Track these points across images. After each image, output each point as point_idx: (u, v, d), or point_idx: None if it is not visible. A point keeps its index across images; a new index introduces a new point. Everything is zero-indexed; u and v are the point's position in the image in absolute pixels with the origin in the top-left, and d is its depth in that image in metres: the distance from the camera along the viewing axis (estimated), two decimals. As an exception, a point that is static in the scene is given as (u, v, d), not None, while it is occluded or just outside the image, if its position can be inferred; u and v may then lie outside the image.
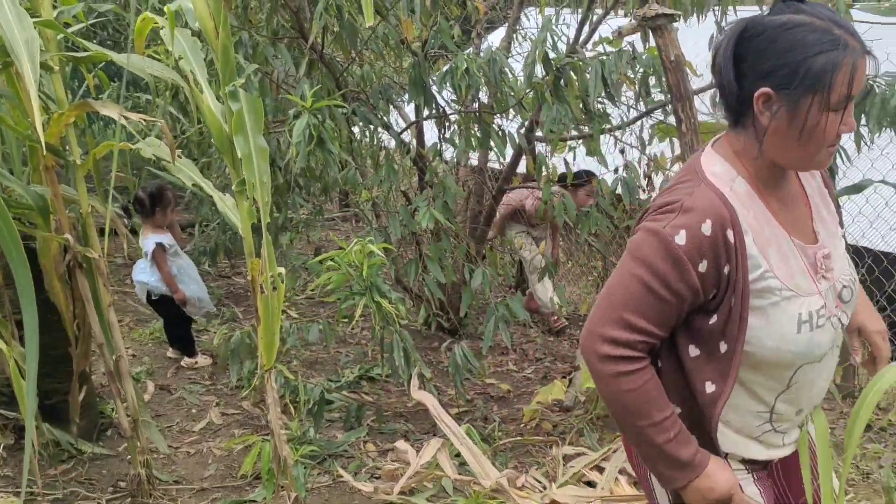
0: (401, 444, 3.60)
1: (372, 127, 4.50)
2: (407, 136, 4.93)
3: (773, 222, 1.62)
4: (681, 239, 1.53)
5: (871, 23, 3.84)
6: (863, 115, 3.52)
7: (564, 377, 4.76)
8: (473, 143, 4.24)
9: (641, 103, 4.17)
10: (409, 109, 5.36)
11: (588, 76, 3.65)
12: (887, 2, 3.80)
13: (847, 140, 3.74)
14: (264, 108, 2.92)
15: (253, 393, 4.46)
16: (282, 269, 2.78)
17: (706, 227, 1.53)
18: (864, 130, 3.65)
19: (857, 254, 4.83)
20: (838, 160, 3.85)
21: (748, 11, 4.23)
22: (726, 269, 1.55)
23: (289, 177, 4.37)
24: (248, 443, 3.85)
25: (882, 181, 3.81)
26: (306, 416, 4.06)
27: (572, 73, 3.71)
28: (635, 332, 1.58)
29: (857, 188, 3.87)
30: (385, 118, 4.48)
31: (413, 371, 3.67)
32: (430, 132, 4.95)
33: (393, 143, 4.69)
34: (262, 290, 2.65)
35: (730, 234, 1.54)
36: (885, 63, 4.40)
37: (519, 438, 4.02)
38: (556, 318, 5.70)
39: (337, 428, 4.23)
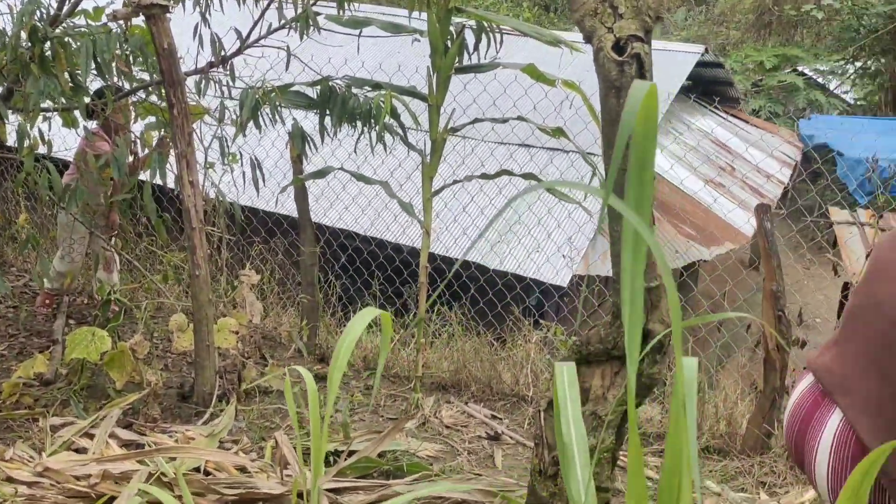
0: None
1: None
2: None
3: None
4: None
5: (335, 31, 4.47)
6: (327, 112, 4.11)
7: (42, 352, 4.70)
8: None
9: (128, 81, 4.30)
10: None
11: (78, 51, 3.69)
12: (346, 14, 4.43)
13: (313, 131, 4.34)
14: None
15: None
16: None
17: None
18: (327, 124, 4.25)
19: (318, 229, 5.54)
20: (307, 148, 4.43)
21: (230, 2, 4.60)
22: None
23: None
24: None
25: (341, 168, 4.45)
26: None
27: (61, 48, 3.71)
28: None
29: (320, 174, 4.47)
30: None
31: None
32: None
33: None
34: None
35: None
36: (344, 67, 5.13)
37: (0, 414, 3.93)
38: (48, 299, 5.52)
39: None
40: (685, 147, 9.40)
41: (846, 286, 6.01)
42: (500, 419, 4.47)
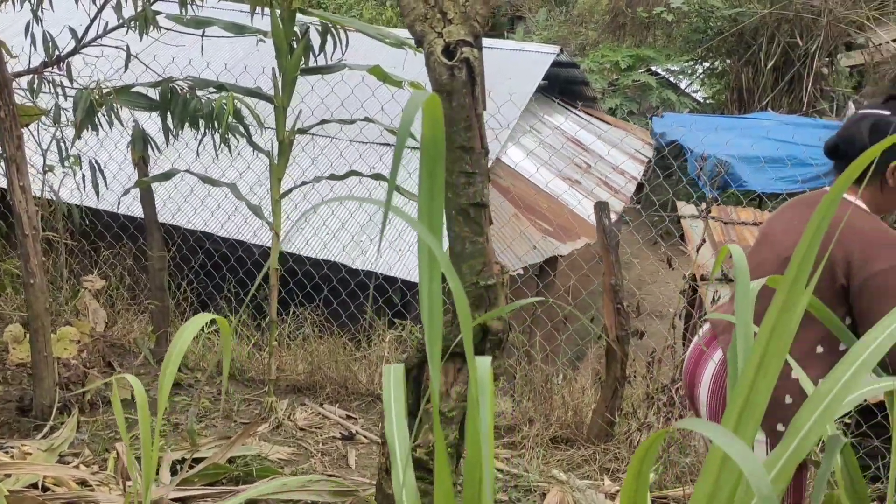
0: None
1: None
2: None
3: None
4: None
5: (182, 31, 4.37)
6: (168, 114, 4.02)
7: None
8: None
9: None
10: None
11: None
12: (189, 14, 4.33)
13: (157, 133, 4.24)
14: None
15: None
16: None
17: None
18: (170, 125, 4.16)
19: (168, 233, 5.42)
20: (151, 150, 4.32)
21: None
22: None
23: None
24: None
25: (187, 170, 4.36)
26: None
27: None
28: None
29: (165, 176, 4.37)
30: None
31: None
32: None
33: None
34: None
35: None
36: (188, 68, 5.03)
37: None
38: None
39: None
40: (540, 144, 9.64)
41: (694, 277, 6.29)
42: (356, 419, 4.49)
